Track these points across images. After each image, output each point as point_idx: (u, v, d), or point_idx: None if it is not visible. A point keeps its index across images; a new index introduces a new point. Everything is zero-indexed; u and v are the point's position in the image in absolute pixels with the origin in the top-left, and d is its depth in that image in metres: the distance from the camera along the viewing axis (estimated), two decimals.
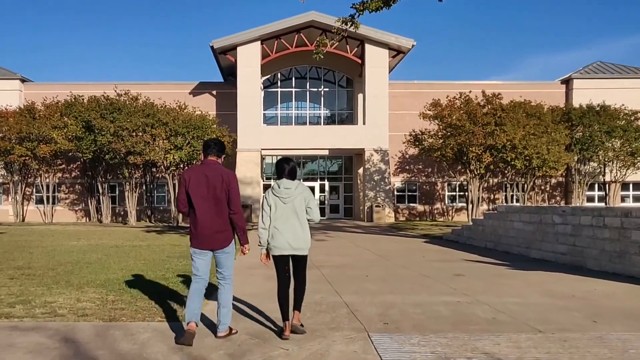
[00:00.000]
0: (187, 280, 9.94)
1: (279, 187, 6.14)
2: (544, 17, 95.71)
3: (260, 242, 6.25)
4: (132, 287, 9.22)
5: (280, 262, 6.24)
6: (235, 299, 7.14)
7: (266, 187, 38.36)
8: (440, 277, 10.65)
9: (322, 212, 38.78)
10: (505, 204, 23.10)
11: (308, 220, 6.22)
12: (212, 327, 6.44)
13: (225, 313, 6.04)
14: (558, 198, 39.82)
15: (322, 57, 16.16)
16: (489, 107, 30.18)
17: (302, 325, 6.34)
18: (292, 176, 6.23)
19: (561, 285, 9.68)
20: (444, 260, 13.71)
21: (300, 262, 6.29)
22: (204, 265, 6.06)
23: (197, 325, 5.89)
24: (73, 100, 33.42)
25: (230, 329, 6.13)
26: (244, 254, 6.14)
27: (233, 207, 5.92)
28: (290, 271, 6.32)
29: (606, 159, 35.18)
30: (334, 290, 9.13)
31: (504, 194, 39.35)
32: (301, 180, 5.93)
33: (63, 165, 38.11)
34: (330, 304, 7.91)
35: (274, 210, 6.13)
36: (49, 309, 7.48)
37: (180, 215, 32.26)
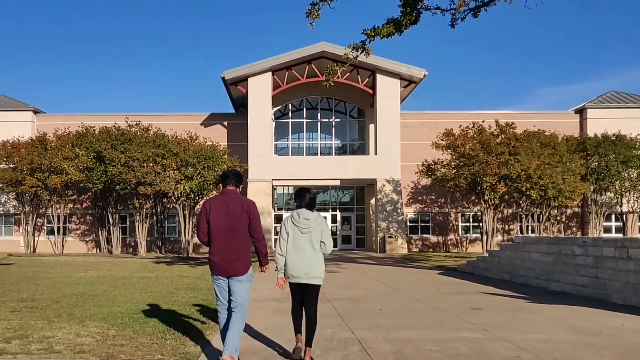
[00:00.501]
0: (193, 314, 9.56)
1: (299, 217, 6.36)
2: (555, 47, 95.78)
3: (277, 267, 6.45)
4: (135, 322, 8.85)
5: (296, 288, 6.45)
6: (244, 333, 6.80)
7: (277, 218, 38.15)
8: (457, 311, 10.18)
9: (335, 242, 37.63)
10: (521, 235, 22.59)
11: (321, 250, 6.39)
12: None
13: (233, 336, 5.95)
14: (574, 229, 39.12)
15: (332, 84, 15.88)
16: (503, 136, 29.80)
17: (312, 358, 6.34)
18: (312, 207, 6.45)
19: (586, 321, 9.19)
20: (460, 293, 13.22)
21: (313, 291, 6.39)
22: (225, 292, 6.21)
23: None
24: (84, 131, 33.40)
25: (238, 359, 6.05)
26: (263, 272, 6.40)
27: (256, 235, 6.15)
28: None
29: (623, 189, 34.58)
30: (345, 325, 8.70)
31: (519, 224, 38.69)
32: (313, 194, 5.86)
33: (74, 196, 38.01)
34: (341, 341, 7.48)
35: (291, 238, 6.32)
36: (45, 345, 7.11)
37: (191, 246, 31.96)
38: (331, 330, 8.21)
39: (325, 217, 38.07)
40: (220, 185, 6.34)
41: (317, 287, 6.41)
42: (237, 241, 6.03)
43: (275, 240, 37.53)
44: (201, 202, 33.14)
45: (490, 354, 6.72)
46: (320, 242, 6.33)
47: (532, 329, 8.30)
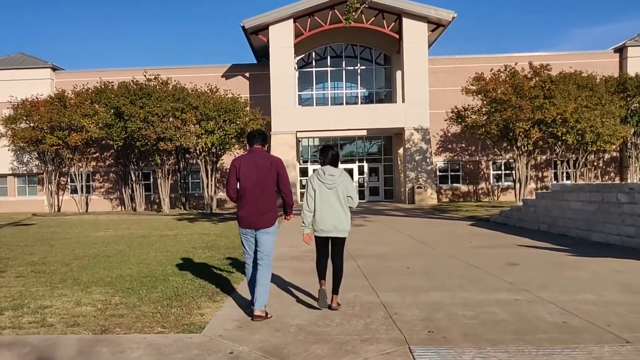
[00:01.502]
0: (207, 276, 8.88)
1: (324, 174, 6.58)
2: None
3: (304, 222, 6.64)
4: (143, 286, 8.20)
5: (323, 242, 6.69)
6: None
7: (302, 170, 37.44)
8: (492, 267, 9.31)
9: (362, 195, 37.49)
10: (559, 182, 21.41)
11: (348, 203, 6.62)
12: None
13: (262, 292, 6.21)
14: (612, 174, 37.65)
15: (351, 23, 14.73)
16: (537, 79, 28.26)
17: (339, 304, 6.62)
18: (335, 163, 6.70)
19: (639, 276, 8.26)
20: (494, 247, 12.33)
21: (340, 244, 6.66)
22: (252, 244, 6.46)
23: (266, 314, 6.21)
24: (103, 87, 32.78)
25: (266, 313, 6.22)
26: (287, 219, 6.76)
27: (284, 190, 6.45)
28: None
29: None
30: (370, 286, 7.90)
31: (553, 171, 37.36)
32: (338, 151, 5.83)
33: (97, 154, 37.78)
34: (365, 305, 6.69)
35: (318, 194, 6.56)
36: (39, 317, 6.45)
37: (214, 202, 31.46)
38: (354, 293, 7.42)
39: (352, 169, 37.95)
40: (247, 144, 6.58)
41: (344, 239, 6.68)
42: (265, 197, 6.29)
43: (301, 193, 37.00)
44: (224, 157, 32.61)
45: (532, 320, 5.85)
46: (347, 196, 6.56)
47: (578, 288, 7.40)
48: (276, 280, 8.28)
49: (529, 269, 9.02)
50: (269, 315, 6.21)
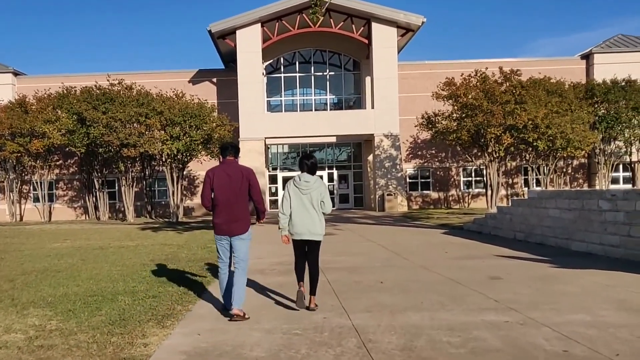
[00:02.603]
0: (159, 294, 8.01)
1: (300, 180, 6.96)
2: None
3: (280, 226, 6.98)
4: (87, 307, 7.32)
5: (299, 244, 7.04)
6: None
7: (272, 178, 36.66)
8: (473, 281, 8.62)
9: (332, 202, 36.60)
10: (536, 189, 20.91)
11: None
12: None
13: (239, 291, 6.57)
14: (581, 180, 37.57)
15: (319, 17, 13.98)
16: (507, 84, 27.86)
17: (316, 305, 6.96)
18: (312, 171, 7.09)
19: (630, 291, 7.62)
20: (472, 257, 11.66)
21: (314, 247, 7.02)
22: (226, 250, 6.88)
23: (244, 314, 6.51)
24: (65, 92, 31.52)
25: (244, 314, 6.53)
26: (259, 224, 7.35)
27: (256, 197, 6.85)
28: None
29: (633, 138, 32.87)
30: (340, 305, 7.13)
31: (523, 177, 37.18)
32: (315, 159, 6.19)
33: (60, 161, 36.43)
34: (335, 330, 5.91)
35: (294, 199, 6.90)
36: None
37: (181, 210, 30.45)
38: (322, 314, 6.64)
39: (321, 176, 37.15)
40: (221, 156, 6.99)
41: (318, 242, 7.03)
42: (238, 205, 6.70)
43: (271, 200, 36.17)
44: (190, 164, 31.66)
45: (528, 349, 5.12)
46: (321, 202, 6.92)
47: (571, 306, 6.72)
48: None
49: (513, 284, 8.33)
50: (246, 316, 6.51)
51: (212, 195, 6.79)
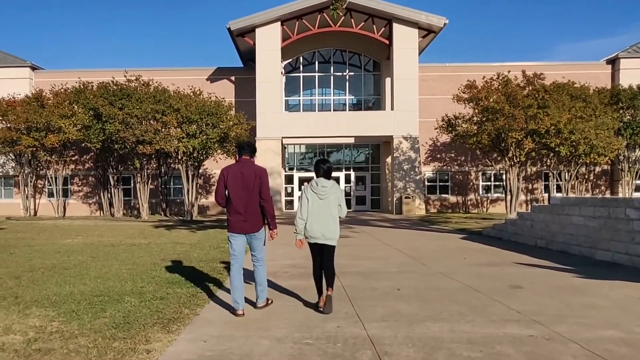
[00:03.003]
0: (165, 298, 7.72)
1: (317, 185, 7.05)
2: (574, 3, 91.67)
3: (296, 229, 7.08)
4: (91, 308, 7.05)
5: (314, 248, 7.16)
6: None
7: (288, 178, 36.40)
8: (493, 290, 8.23)
9: (348, 204, 36.54)
10: (559, 195, 20.36)
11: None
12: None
13: (262, 290, 7.08)
14: (603, 187, 36.85)
15: (339, 14, 13.63)
16: (530, 88, 27.34)
17: (332, 298, 7.02)
18: (328, 176, 7.16)
19: None
20: (491, 264, 11.26)
21: (329, 251, 7.12)
22: (239, 247, 6.95)
23: (244, 311, 6.75)
24: (82, 87, 31.46)
25: (267, 299, 7.19)
26: (272, 238, 7.08)
27: (264, 196, 6.89)
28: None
29: None
30: (355, 313, 6.79)
31: (544, 183, 36.56)
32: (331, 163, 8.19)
33: (76, 157, 36.41)
34: (348, 341, 5.56)
35: (311, 204, 7.01)
36: None
37: (195, 208, 30.28)
38: (336, 323, 6.30)
39: (338, 177, 36.89)
40: (237, 155, 7.10)
41: (333, 247, 7.14)
42: (251, 203, 6.82)
43: (286, 201, 35.88)
44: (206, 162, 31.50)
45: None
46: (338, 205, 7.05)
47: (600, 321, 6.32)
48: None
49: (535, 294, 7.94)
50: (269, 302, 7.21)
51: (226, 193, 6.91)
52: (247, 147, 7.09)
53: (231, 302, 6.93)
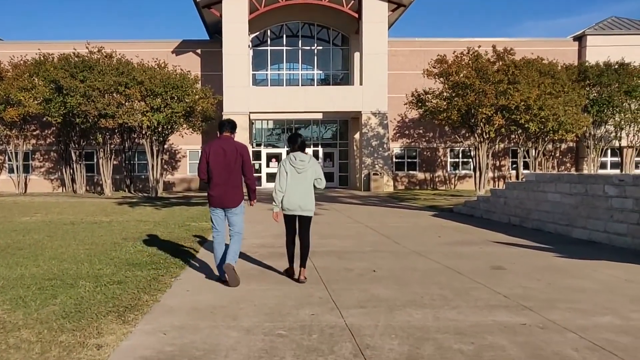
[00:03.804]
0: (123, 282, 7.13)
1: (295, 159, 7.25)
2: None
3: (274, 202, 7.30)
4: (41, 294, 6.43)
5: (290, 220, 7.37)
6: None
7: (256, 154, 35.73)
8: (475, 272, 7.83)
9: None
10: (534, 172, 20.05)
11: (316, 187, 7.35)
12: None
13: (233, 253, 7.07)
14: (568, 165, 37.04)
15: None
16: (501, 63, 27.02)
17: (305, 278, 7.24)
18: (303, 149, 7.37)
19: None
20: (467, 243, 10.90)
21: (305, 222, 7.35)
22: (220, 221, 7.24)
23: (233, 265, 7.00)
24: (42, 59, 30.13)
25: (234, 268, 7.03)
26: (251, 205, 7.56)
27: (247, 173, 7.17)
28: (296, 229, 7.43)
29: (623, 122, 32.26)
30: (330, 298, 6.29)
31: (511, 160, 36.56)
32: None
33: (37, 132, 35.12)
34: (325, 331, 5.05)
35: (290, 177, 7.19)
36: None
37: (161, 185, 29.46)
38: (310, 309, 5.80)
39: (306, 154, 36.26)
40: (218, 132, 7.31)
41: (309, 218, 7.36)
42: (232, 179, 7.04)
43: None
44: (171, 137, 30.64)
45: None
46: (316, 179, 7.30)
47: (593, 306, 5.91)
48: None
49: (519, 276, 7.54)
50: (236, 274, 7.03)
51: (208, 169, 7.08)
52: (227, 124, 7.30)
53: (217, 272, 7.38)
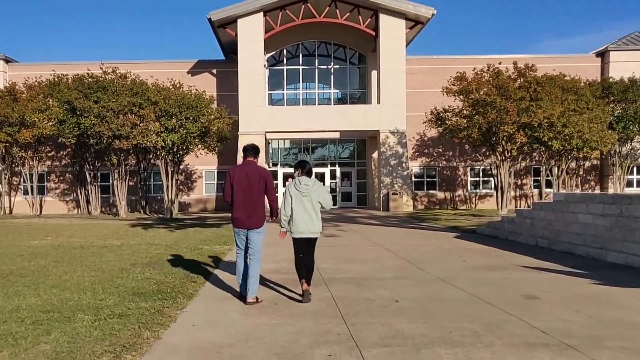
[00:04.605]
0: (125, 315, 6.59)
1: (300, 184, 7.53)
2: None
3: (281, 224, 7.61)
4: (35, 329, 5.90)
5: (299, 242, 7.58)
6: None
7: (272, 174, 35.10)
8: (505, 301, 7.18)
9: (334, 200, 35.15)
10: (563, 192, 19.33)
11: (321, 208, 7.62)
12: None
13: (253, 282, 7.32)
14: (593, 183, 36.09)
15: None
16: (522, 80, 26.37)
17: (310, 293, 7.43)
18: (309, 175, 7.68)
19: None
20: (494, 268, 10.24)
21: (312, 243, 7.68)
22: (243, 241, 7.55)
23: (257, 299, 7.34)
24: (57, 80, 30.04)
25: (257, 298, 7.38)
26: (273, 221, 7.82)
27: (271, 197, 7.52)
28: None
29: None
30: (349, 335, 5.68)
31: (533, 178, 35.72)
32: (311, 164, 8.75)
33: (52, 153, 35.07)
34: None
35: (295, 201, 7.49)
36: None
37: (176, 206, 29.08)
38: (327, 348, 5.20)
39: (324, 173, 35.81)
40: (243, 156, 7.66)
41: (315, 239, 7.71)
42: (255, 202, 7.36)
43: None
44: (186, 158, 30.35)
45: None
46: (321, 201, 7.58)
47: None
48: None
49: (555, 306, 6.89)
50: (259, 300, 7.41)
51: (232, 192, 7.42)
52: (251, 149, 7.62)
53: (238, 288, 7.77)
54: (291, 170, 35.86)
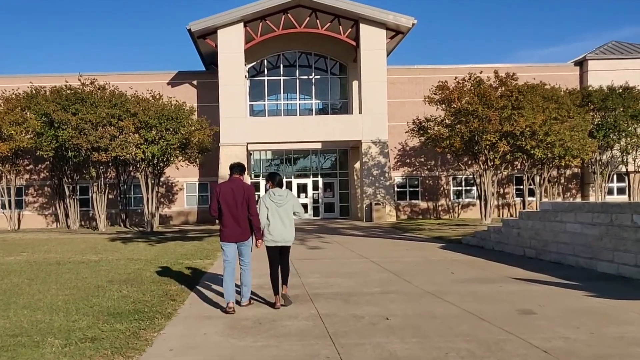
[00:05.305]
0: (98, 338, 6.19)
1: (275, 195, 8.05)
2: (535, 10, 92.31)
3: (262, 235, 7.92)
4: None
5: (273, 250, 8.08)
6: None
7: (254, 185, 34.77)
8: (500, 317, 6.89)
9: (316, 211, 35.75)
10: (550, 201, 19.15)
11: (295, 217, 8.19)
12: None
13: (247, 290, 8.10)
14: (574, 191, 36.13)
15: None
16: (503, 89, 26.32)
17: (288, 296, 8.08)
18: (281, 186, 8.24)
19: None
20: (485, 280, 9.96)
21: (286, 251, 8.19)
22: (231, 253, 7.94)
23: (234, 304, 7.70)
24: (34, 92, 29.45)
25: (250, 300, 8.20)
26: (258, 246, 7.97)
27: (251, 211, 7.90)
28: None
29: (629, 147, 31.48)
30: (338, 358, 5.35)
31: (515, 187, 35.68)
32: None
33: (30, 166, 34.35)
34: None
35: (270, 211, 7.98)
36: None
37: (157, 219, 28.50)
38: None
39: (306, 184, 35.50)
40: (229, 173, 8.04)
41: (289, 247, 8.18)
42: (240, 216, 7.78)
43: None
44: (167, 170, 29.87)
45: None
46: (294, 212, 8.09)
47: None
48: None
49: (553, 322, 6.59)
50: (251, 302, 8.16)
51: (219, 207, 7.79)
52: (237, 167, 8.05)
53: (224, 297, 7.84)
54: None
